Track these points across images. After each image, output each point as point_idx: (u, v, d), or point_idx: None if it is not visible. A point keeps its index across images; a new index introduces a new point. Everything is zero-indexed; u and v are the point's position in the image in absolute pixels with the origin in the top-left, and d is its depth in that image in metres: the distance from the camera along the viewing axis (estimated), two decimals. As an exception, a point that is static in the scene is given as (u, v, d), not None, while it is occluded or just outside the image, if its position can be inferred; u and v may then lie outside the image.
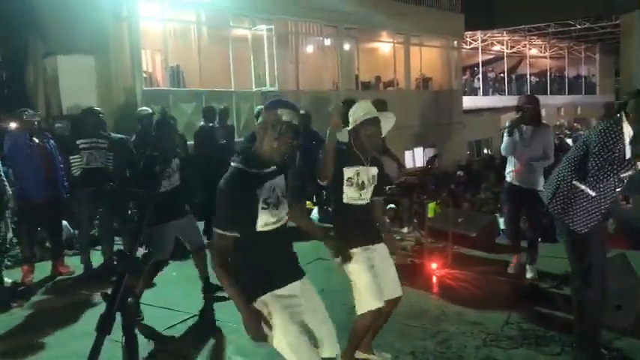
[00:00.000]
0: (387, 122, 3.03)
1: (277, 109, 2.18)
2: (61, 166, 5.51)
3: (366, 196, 3.00)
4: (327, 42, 13.90)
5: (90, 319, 4.20)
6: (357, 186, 2.94)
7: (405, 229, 7.10)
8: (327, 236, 2.90)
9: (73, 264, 5.70)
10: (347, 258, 2.84)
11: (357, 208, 2.98)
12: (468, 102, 19.99)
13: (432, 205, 6.59)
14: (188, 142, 6.84)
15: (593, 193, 3.06)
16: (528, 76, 26.00)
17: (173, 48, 10.46)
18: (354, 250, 2.88)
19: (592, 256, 3.15)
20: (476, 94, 22.73)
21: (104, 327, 1.06)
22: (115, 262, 5.43)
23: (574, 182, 3.13)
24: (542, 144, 4.65)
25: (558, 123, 29.46)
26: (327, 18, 13.25)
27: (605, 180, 3.00)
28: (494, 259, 5.51)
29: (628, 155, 2.99)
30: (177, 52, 10.67)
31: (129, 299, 1.17)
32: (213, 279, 3.99)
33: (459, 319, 3.93)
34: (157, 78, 10.99)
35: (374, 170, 3.03)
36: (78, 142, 5.28)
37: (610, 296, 3.41)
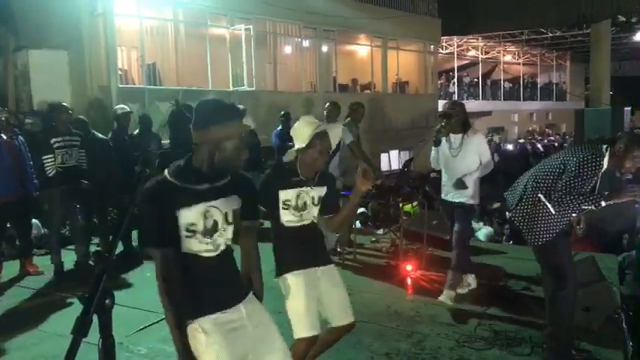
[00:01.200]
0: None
1: (242, 119, 1.94)
2: (31, 163, 5.37)
3: (308, 217, 2.76)
4: (306, 43, 13.92)
5: (60, 320, 4.12)
6: (296, 209, 2.72)
7: (381, 231, 7.17)
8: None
9: (43, 264, 5.58)
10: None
11: (297, 230, 2.75)
12: (443, 107, 20.24)
13: (408, 208, 6.67)
14: (163, 141, 6.79)
15: (553, 211, 3.09)
16: (502, 82, 26.48)
17: (150, 46, 10.33)
18: (289, 274, 2.70)
19: (561, 258, 3.19)
20: (451, 99, 23.02)
21: (81, 329, 1.04)
22: (92, 263, 5.42)
23: (539, 195, 3.14)
24: (473, 152, 4.27)
25: (530, 128, 30.13)
26: (306, 19, 13.27)
27: (566, 205, 3.02)
28: (467, 261, 5.59)
29: (596, 189, 3.02)
30: (153, 50, 10.55)
31: (106, 301, 1.15)
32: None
33: (433, 321, 3.98)
34: (133, 76, 10.84)
35: (320, 191, 2.79)
36: (52, 140, 5.13)
37: (578, 298, 3.50)
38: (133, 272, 5.39)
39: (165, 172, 1.93)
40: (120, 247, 5.90)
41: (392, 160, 16.25)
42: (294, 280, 2.69)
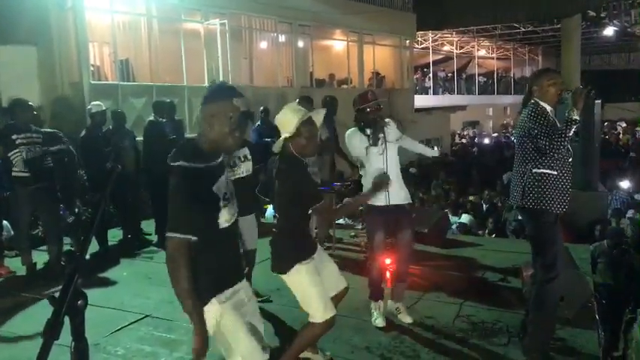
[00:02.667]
0: (319, 120, 2.83)
1: (232, 99, 2.04)
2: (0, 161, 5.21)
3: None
4: (282, 38, 13.83)
5: (31, 322, 4.01)
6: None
7: (360, 226, 7.19)
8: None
9: (15, 265, 5.43)
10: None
11: (305, 219, 2.87)
12: (419, 101, 20.42)
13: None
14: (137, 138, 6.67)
15: (554, 172, 3.13)
16: (477, 76, 26.81)
17: (122, 41, 10.12)
18: (300, 265, 2.77)
19: (556, 248, 3.20)
20: (427, 93, 23.22)
21: (52, 332, 1.01)
22: (63, 263, 5.29)
23: (534, 170, 3.16)
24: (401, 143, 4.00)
25: (505, 122, 30.61)
26: (281, 14, 13.19)
27: (559, 151, 3.07)
28: (445, 254, 5.66)
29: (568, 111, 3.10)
30: (126, 46, 10.33)
31: (78, 302, 1.12)
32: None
33: (412, 313, 4.01)
34: (106, 71, 10.61)
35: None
36: (14, 137, 4.91)
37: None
38: (110, 271, 5.30)
39: (180, 161, 2.00)
40: (96, 246, 5.80)
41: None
42: (305, 268, 2.77)
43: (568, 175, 3.17)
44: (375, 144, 3.75)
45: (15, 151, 4.91)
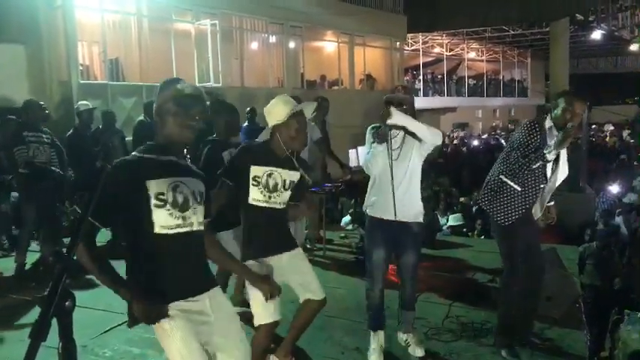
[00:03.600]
0: (309, 114, 2.79)
1: (176, 84, 1.98)
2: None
3: (276, 200, 2.72)
4: (273, 39, 13.82)
5: (19, 323, 3.98)
6: (266, 187, 2.68)
7: (350, 227, 7.21)
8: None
9: (2, 266, 5.37)
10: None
11: (264, 211, 2.71)
12: (410, 102, 20.46)
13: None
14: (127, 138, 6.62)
15: (518, 188, 3.22)
16: (466, 79, 26.96)
17: (112, 40, 10.05)
18: (253, 262, 2.68)
19: (515, 246, 3.31)
20: (417, 95, 23.31)
21: (39, 333, 0.99)
22: (51, 262, 5.23)
23: (500, 176, 3.31)
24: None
25: (494, 124, 30.81)
26: (273, 15, 13.18)
27: (520, 172, 3.19)
28: (434, 255, 5.69)
29: (549, 147, 3.13)
30: (116, 45, 10.26)
31: (66, 303, 1.11)
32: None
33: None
34: (95, 71, 10.53)
35: (293, 176, 2.77)
36: (25, 133, 4.97)
37: (541, 288, 3.59)
38: (97, 273, 5.25)
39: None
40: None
41: (360, 156, 16.34)
42: (257, 267, 2.65)
43: (531, 197, 3.24)
44: (380, 141, 3.12)
45: (22, 147, 4.92)
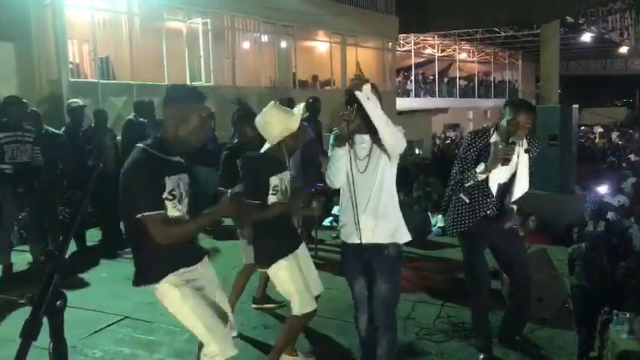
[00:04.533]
0: (299, 115, 2.91)
1: (204, 101, 2.24)
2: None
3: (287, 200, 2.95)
4: (265, 39, 13.80)
5: (9, 324, 3.93)
6: (282, 193, 2.86)
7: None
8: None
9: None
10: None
11: (282, 215, 2.90)
12: (401, 103, 20.56)
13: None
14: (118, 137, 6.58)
15: (466, 200, 3.16)
16: (458, 80, 27.11)
17: (102, 38, 9.97)
18: (283, 261, 2.83)
19: (469, 258, 3.33)
20: (409, 96, 23.39)
21: (30, 333, 0.98)
22: (42, 262, 5.18)
23: (451, 187, 3.30)
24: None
25: (485, 125, 30.96)
26: (265, 14, 13.15)
27: (456, 187, 3.18)
28: (426, 255, 5.70)
29: (481, 166, 3.01)
30: (106, 43, 10.18)
31: (57, 302, 1.09)
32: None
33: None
34: (85, 69, 10.44)
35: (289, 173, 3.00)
36: (0, 135, 4.82)
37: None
38: (88, 272, 5.21)
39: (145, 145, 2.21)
40: (74, 246, 5.70)
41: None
42: (287, 264, 2.82)
43: (478, 209, 3.14)
44: (341, 143, 2.52)
45: None
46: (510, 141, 2.93)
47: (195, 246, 2.42)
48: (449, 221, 3.29)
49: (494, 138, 3.09)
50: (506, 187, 3.16)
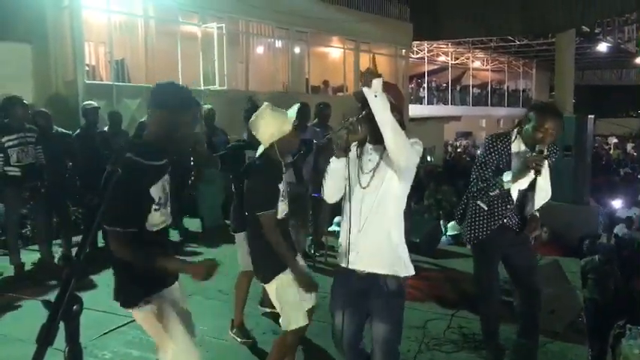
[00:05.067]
0: (293, 116, 2.82)
1: (196, 107, 2.23)
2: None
3: (287, 207, 2.82)
4: (279, 44, 13.86)
5: (20, 324, 3.96)
6: (286, 197, 2.80)
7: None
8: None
9: (2, 266, 5.36)
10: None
11: (285, 221, 2.80)
12: (414, 110, 20.52)
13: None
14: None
15: (485, 207, 3.03)
16: (471, 88, 27.00)
17: (118, 41, 10.09)
18: (283, 275, 2.71)
19: (483, 269, 3.21)
20: (421, 103, 23.35)
21: (46, 338, 0.99)
22: (57, 263, 5.22)
23: (468, 194, 3.17)
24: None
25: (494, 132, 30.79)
26: (279, 20, 13.22)
27: (479, 195, 3.00)
28: (436, 264, 5.66)
29: (509, 175, 2.85)
30: (122, 46, 10.31)
31: (74, 307, 1.10)
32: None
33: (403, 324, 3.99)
34: (101, 71, 10.58)
35: (290, 176, 3.02)
36: (4, 139, 4.78)
37: (544, 301, 3.57)
38: (99, 274, 5.23)
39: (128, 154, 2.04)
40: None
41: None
42: (285, 278, 2.72)
43: (498, 217, 3.01)
44: (339, 153, 2.19)
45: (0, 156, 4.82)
46: (538, 149, 2.77)
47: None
48: (465, 229, 3.17)
49: (517, 144, 2.95)
50: (526, 195, 2.99)
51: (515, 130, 2.98)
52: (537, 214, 3.08)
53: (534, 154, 2.78)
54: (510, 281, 3.52)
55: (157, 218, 2.11)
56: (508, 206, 3.00)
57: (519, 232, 3.09)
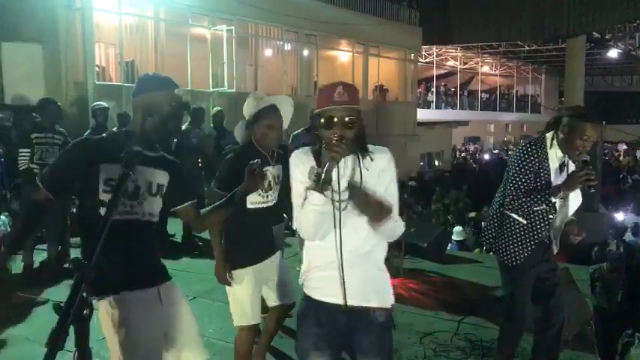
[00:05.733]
0: (286, 109, 2.74)
1: (174, 89, 2.01)
2: (2, 160, 5.19)
3: (272, 198, 2.76)
4: (288, 47, 13.89)
5: (27, 323, 3.97)
6: (262, 189, 2.64)
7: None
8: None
9: (11, 263, 5.38)
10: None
11: (260, 213, 2.71)
12: (422, 115, 20.48)
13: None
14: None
15: (523, 221, 2.74)
16: (479, 92, 26.91)
17: (129, 43, 10.16)
18: (241, 271, 2.65)
19: (520, 292, 2.88)
20: (429, 107, 23.30)
21: (56, 342, 0.98)
22: (69, 267, 5.24)
23: (501, 209, 2.83)
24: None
25: (506, 139, 30.67)
26: (288, 23, 13.26)
27: (521, 210, 2.70)
28: (444, 269, 5.63)
29: (552, 184, 2.65)
30: (132, 48, 10.38)
31: (84, 311, 1.09)
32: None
33: (410, 330, 3.97)
34: (111, 73, 10.64)
35: (279, 170, 2.78)
36: (33, 135, 4.93)
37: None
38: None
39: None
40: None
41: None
42: (243, 274, 2.66)
43: (540, 230, 2.73)
44: (321, 186, 1.68)
45: (26, 150, 4.91)
46: (583, 159, 2.57)
47: (150, 266, 2.09)
48: (502, 247, 2.81)
49: (553, 151, 2.69)
50: (561, 204, 2.77)
51: (550, 135, 2.71)
52: (575, 218, 2.86)
53: (579, 165, 2.58)
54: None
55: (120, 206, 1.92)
56: (549, 217, 2.73)
57: (549, 245, 2.84)
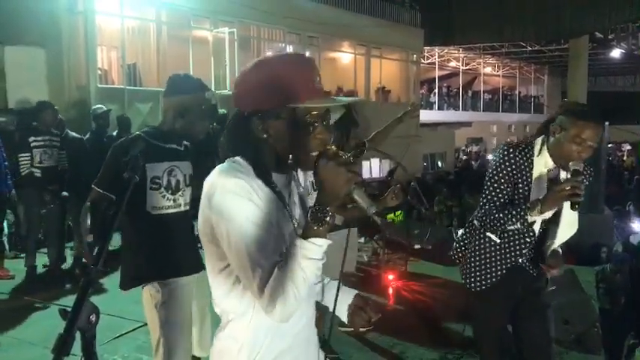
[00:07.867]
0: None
1: (204, 92, 2.23)
2: (6, 164, 5.19)
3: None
4: (290, 49, 13.89)
5: (31, 327, 3.97)
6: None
7: (362, 240, 7.14)
8: None
9: (13, 267, 5.39)
10: None
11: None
12: (424, 116, 20.44)
13: (390, 216, 6.68)
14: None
15: (497, 240, 2.26)
16: (482, 93, 26.86)
17: (131, 46, 10.18)
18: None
19: (489, 325, 2.40)
20: (432, 109, 23.26)
21: (62, 348, 0.97)
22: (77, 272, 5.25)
23: (475, 221, 2.32)
24: None
25: (509, 140, 30.56)
26: (290, 25, 13.26)
27: (493, 227, 2.19)
28: (449, 271, 5.61)
29: (534, 206, 2.07)
30: (134, 50, 10.39)
31: (91, 317, 1.08)
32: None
33: (415, 331, 3.96)
34: (113, 76, 10.65)
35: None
36: (30, 139, 4.96)
37: (558, 311, 3.51)
38: (108, 278, 5.24)
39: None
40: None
41: (373, 168, 16.31)
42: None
43: (513, 253, 2.24)
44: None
45: (26, 154, 4.92)
46: (573, 168, 2.03)
47: (190, 255, 2.35)
48: (467, 269, 2.34)
49: (541, 158, 2.15)
50: (547, 228, 2.25)
51: (540, 139, 2.17)
52: (560, 250, 2.28)
53: (568, 176, 2.05)
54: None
55: (158, 200, 2.16)
56: (527, 240, 2.23)
57: (535, 274, 2.31)
